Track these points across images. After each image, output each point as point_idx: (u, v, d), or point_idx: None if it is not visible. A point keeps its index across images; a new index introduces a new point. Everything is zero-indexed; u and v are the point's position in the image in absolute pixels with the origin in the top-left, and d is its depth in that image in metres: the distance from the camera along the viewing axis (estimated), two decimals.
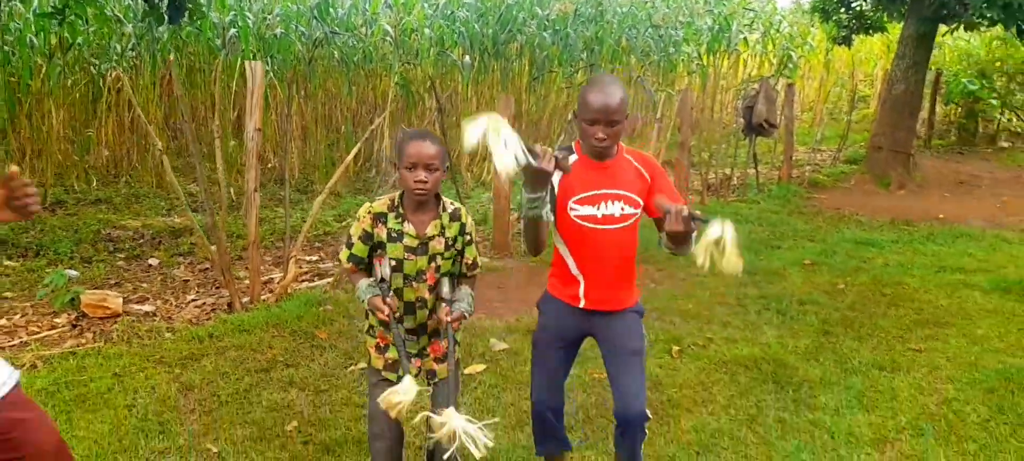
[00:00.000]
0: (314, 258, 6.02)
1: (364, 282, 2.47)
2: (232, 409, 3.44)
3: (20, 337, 4.22)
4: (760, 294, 5.42)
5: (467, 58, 9.73)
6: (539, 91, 10.41)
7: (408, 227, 2.45)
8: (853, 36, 11.68)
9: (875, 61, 16.67)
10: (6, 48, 8.04)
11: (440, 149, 2.41)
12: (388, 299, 2.42)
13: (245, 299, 4.83)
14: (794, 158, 10.89)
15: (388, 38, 10.00)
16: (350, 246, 2.49)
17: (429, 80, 7.88)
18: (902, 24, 10.09)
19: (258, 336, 4.25)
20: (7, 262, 5.47)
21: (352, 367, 3.93)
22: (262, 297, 4.88)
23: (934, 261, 6.42)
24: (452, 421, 2.18)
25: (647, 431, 2.59)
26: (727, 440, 3.35)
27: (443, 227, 2.49)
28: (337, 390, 3.68)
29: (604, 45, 10.64)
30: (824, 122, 12.62)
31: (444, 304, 2.49)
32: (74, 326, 4.38)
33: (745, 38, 13.75)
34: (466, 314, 2.48)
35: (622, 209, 2.45)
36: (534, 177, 2.17)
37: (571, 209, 2.44)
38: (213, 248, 4.73)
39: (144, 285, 5.20)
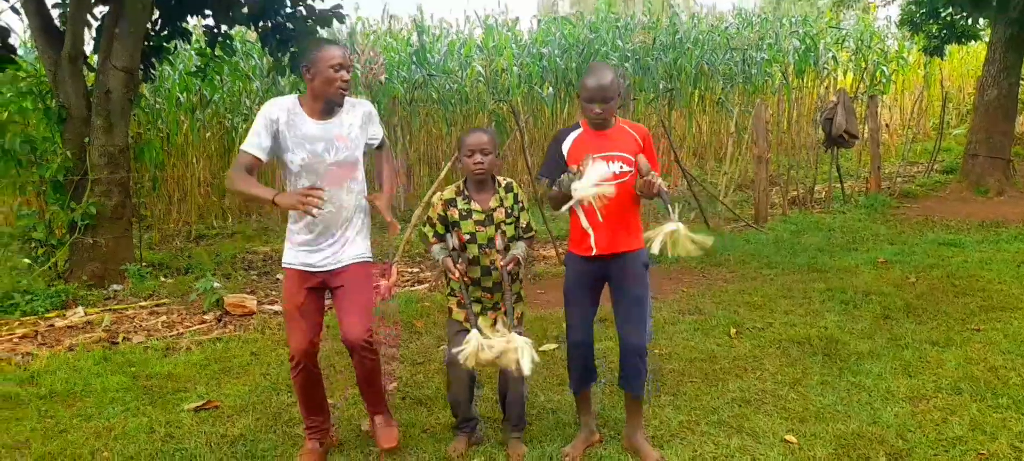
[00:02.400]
0: (415, 270, 6.78)
1: (437, 247, 3.13)
2: (345, 376, 4.14)
3: (177, 330, 5.15)
4: (827, 287, 5.68)
5: (551, 89, 10.41)
6: (623, 117, 10.93)
7: (474, 204, 3.10)
8: (945, 46, 11.56)
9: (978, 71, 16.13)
10: (157, 106, 9.43)
11: (492, 137, 3.07)
12: (458, 264, 3.05)
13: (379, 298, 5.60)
14: (887, 171, 10.86)
15: (481, 79, 10.87)
16: (432, 226, 3.16)
17: (511, 107, 8.59)
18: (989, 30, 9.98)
19: (384, 324, 4.98)
20: (164, 279, 6.52)
21: (443, 347, 4.57)
22: (384, 297, 5.63)
23: (1016, 257, 6.43)
24: (510, 340, 2.75)
25: (647, 366, 3.12)
26: (769, 398, 3.73)
27: (501, 199, 3.13)
28: (430, 363, 4.33)
29: (683, 71, 11.08)
30: (913, 136, 12.39)
31: (499, 253, 3.09)
32: (219, 321, 5.28)
33: (834, 57, 13.77)
34: (520, 257, 3.07)
35: (621, 167, 3.02)
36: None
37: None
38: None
39: (273, 293, 6.09)
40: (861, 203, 9.27)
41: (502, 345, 2.79)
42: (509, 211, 3.14)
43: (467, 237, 3.11)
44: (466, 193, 3.14)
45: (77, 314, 5.43)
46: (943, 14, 11.21)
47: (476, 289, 3.13)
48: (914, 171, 11.72)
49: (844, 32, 14.62)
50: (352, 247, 3.09)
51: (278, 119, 2.94)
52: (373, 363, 3.12)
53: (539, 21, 12.19)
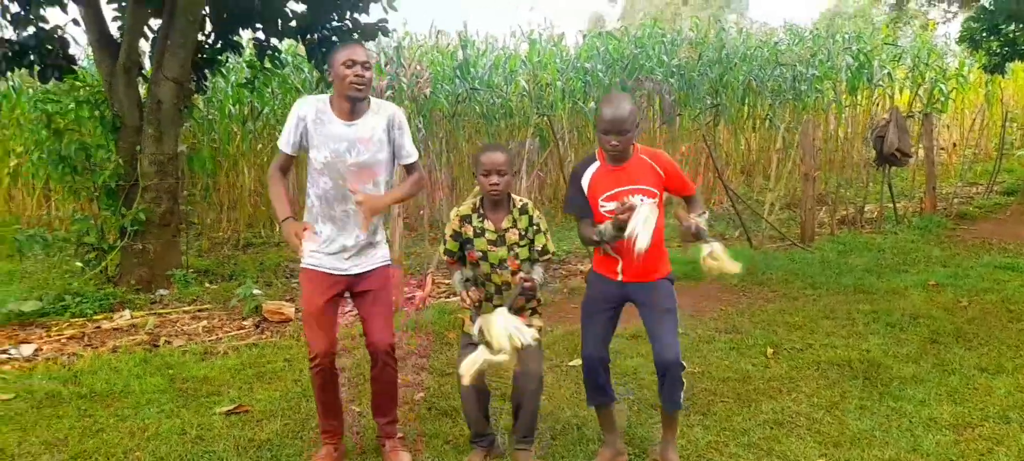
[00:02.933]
0: (450, 282, 6.79)
1: (458, 275, 3.13)
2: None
3: (216, 335, 5.26)
4: (872, 309, 5.49)
5: (593, 104, 10.37)
6: (668, 133, 10.84)
7: (487, 224, 3.09)
8: (1006, 64, 11.14)
9: None
10: (210, 117, 9.72)
11: (508, 157, 3.04)
12: (471, 292, 3.04)
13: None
14: (943, 191, 10.49)
15: (525, 93, 10.90)
16: (445, 243, 3.16)
17: (549, 121, 8.59)
18: None
19: (398, 336, 5.00)
20: (208, 284, 6.68)
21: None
22: (404, 308, 5.68)
23: None
24: (500, 319, 2.76)
25: (684, 381, 3.05)
26: (803, 420, 3.61)
27: (515, 220, 3.10)
28: (457, 374, 4.32)
29: (730, 87, 10.92)
30: (973, 157, 11.94)
31: (517, 275, 3.06)
32: (257, 327, 5.38)
33: (889, 74, 13.39)
34: (536, 281, 3.03)
35: (641, 200, 2.92)
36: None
37: (601, 206, 3.01)
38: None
39: None
40: (915, 224, 8.96)
41: (503, 342, 2.77)
42: (523, 233, 3.11)
43: (479, 255, 3.10)
44: (481, 211, 3.14)
45: (123, 317, 5.60)
46: (1004, 31, 10.80)
47: (488, 306, 3.11)
48: (972, 192, 11.29)
49: (901, 49, 14.21)
50: (375, 251, 3.13)
51: (305, 116, 3.01)
52: (394, 371, 3.14)
53: (584, 36, 12.18)
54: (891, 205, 9.34)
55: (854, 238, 8.33)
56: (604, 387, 3.17)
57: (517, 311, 3.10)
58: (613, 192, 2.99)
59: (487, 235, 3.09)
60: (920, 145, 9.63)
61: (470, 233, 3.11)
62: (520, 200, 3.16)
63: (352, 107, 3.00)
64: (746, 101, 11.73)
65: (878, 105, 13.23)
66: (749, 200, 9.80)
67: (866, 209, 9.45)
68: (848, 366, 4.30)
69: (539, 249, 3.14)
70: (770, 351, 4.60)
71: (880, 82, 13.16)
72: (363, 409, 3.80)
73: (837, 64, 12.76)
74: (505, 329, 2.78)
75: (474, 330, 3.06)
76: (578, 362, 4.44)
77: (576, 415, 3.73)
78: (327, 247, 3.07)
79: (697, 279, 6.63)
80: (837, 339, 4.84)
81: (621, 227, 2.82)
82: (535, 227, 3.14)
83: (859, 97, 13.14)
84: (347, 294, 3.17)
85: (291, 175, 3.10)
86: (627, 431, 3.51)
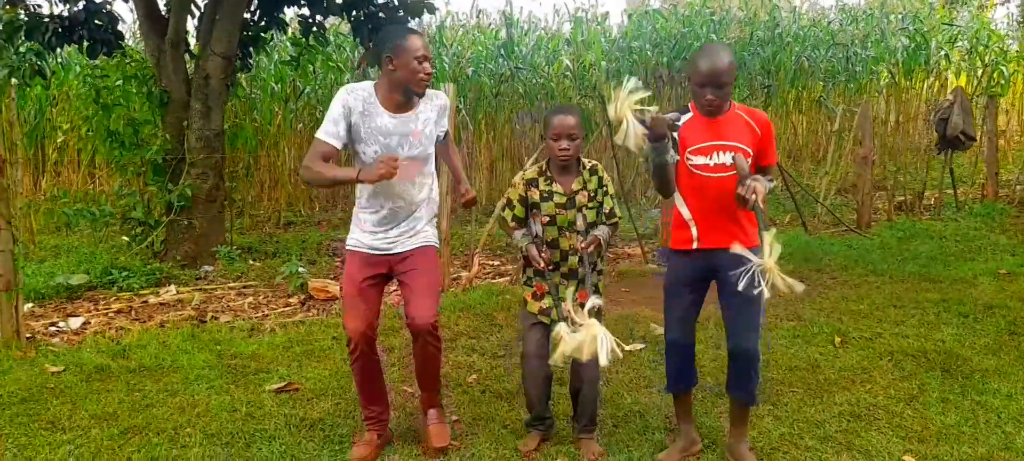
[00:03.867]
0: (496, 262, 6.66)
1: (520, 233, 2.97)
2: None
3: (262, 311, 5.20)
4: (942, 298, 5.22)
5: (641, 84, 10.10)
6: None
7: (556, 187, 2.93)
8: None
9: None
10: (253, 95, 9.68)
11: (579, 120, 2.88)
12: (543, 252, 2.89)
13: (439, 290, 5.52)
14: (1004, 177, 10.04)
15: (568, 73, 10.68)
16: (511, 208, 3.01)
17: (601, 97, 8.38)
18: None
19: (447, 316, 4.89)
20: (252, 262, 6.64)
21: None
22: (451, 288, 5.55)
23: None
24: (592, 327, 2.53)
25: (759, 375, 2.83)
26: (882, 413, 3.40)
27: (585, 182, 2.94)
28: (511, 357, 4.17)
29: (782, 66, 10.56)
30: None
31: (580, 236, 2.90)
32: (303, 304, 5.30)
33: (946, 55, 12.85)
34: (602, 239, 2.89)
35: (732, 158, 2.73)
36: (652, 135, 2.59)
37: (687, 159, 2.78)
38: None
39: None
40: (976, 211, 8.56)
41: (581, 336, 2.56)
42: (592, 194, 2.96)
43: (546, 219, 2.95)
44: (548, 174, 2.98)
45: (170, 292, 5.57)
46: None
47: (555, 275, 2.96)
48: None
49: (957, 30, 13.63)
50: (420, 235, 3.00)
51: (354, 108, 2.84)
52: (436, 349, 3.01)
53: (629, 15, 11.89)
54: (951, 191, 8.95)
55: (913, 224, 7.99)
56: (687, 373, 2.98)
57: (581, 282, 2.94)
58: (702, 145, 2.76)
59: (556, 198, 2.94)
60: (983, 128, 9.20)
61: (536, 197, 2.96)
62: (590, 162, 3.01)
63: (404, 99, 2.86)
64: (796, 83, 11.35)
65: (934, 87, 12.73)
66: (801, 185, 9.47)
67: (924, 195, 9.07)
68: (924, 357, 4.06)
69: (606, 212, 2.98)
70: (838, 340, 4.38)
71: (937, 64, 12.64)
72: (415, 390, 3.67)
73: (892, 45, 12.28)
74: (600, 339, 2.55)
75: (537, 308, 2.91)
76: (636, 346, 4.29)
77: (636, 402, 3.57)
78: (373, 231, 2.96)
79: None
80: (908, 328, 4.59)
81: (653, 139, 2.60)
82: (603, 189, 2.99)
83: (915, 79, 12.65)
84: (391, 277, 3.04)
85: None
86: (695, 420, 3.32)
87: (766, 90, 10.49)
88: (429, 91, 2.95)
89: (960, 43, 13.61)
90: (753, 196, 2.57)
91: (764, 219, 2.60)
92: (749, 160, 2.74)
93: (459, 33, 11.36)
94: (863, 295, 5.39)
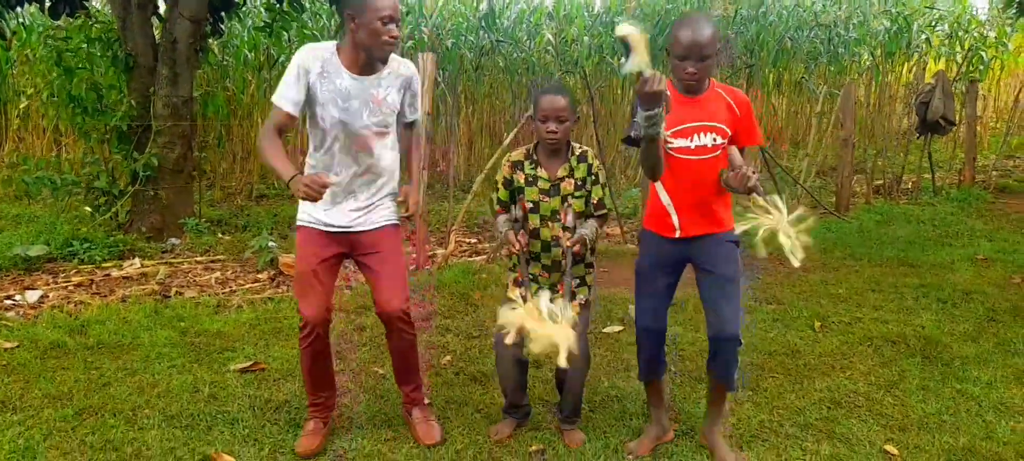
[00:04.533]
0: (473, 240, 6.53)
1: (503, 217, 2.84)
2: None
3: (230, 287, 5.03)
4: (920, 283, 5.19)
5: (622, 60, 9.97)
6: None
7: (541, 172, 2.79)
8: None
9: None
10: (225, 62, 9.39)
11: (570, 101, 2.72)
12: (519, 235, 2.76)
13: (412, 266, 5.39)
14: (981, 163, 10.08)
15: (550, 48, 10.50)
16: (497, 191, 2.87)
17: (583, 75, 8.24)
18: None
19: (421, 294, 4.76)
20: (221, 235, 6.44)
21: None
22: (426, 267, 5.42)
23: None
24: (562, 327, 2.40)
25: (739, 357, 2.73)
26: (863, 400, 3.34)
27: (572, 169, 2.80)
28: (486, 338, 4.06)
29: (765, 46, 10.47)
30: (1009, 129, 11.49)
31: (565, 231, 2.77)
32: (272, 280, 5.14)
33: (928, 39, 12.86)
34: (587, 238, 2.75)
35: (714, 140, 2.61)
36: (650, 98, 2.29)
37: (666, 142, 2.57)
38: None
39: None
40: (953, 196, 8.59)
41: (546, 330, 2.43)
42: (580, 183, 2.80)
43: (530, 206, 2.81)
44: (534, 157, 2.84)
45: (133, 265, 5.37)
46: None
47: (535, 265, 2.84)
48: (1011, 165, 10.88)
49: (939, 14, 13.64)
50: (382, 209, 2.82)
51: (310, 69, 2.63)
52: (412, 337, 2.87)
53: None
54: (929, 175, 8.97)
55: (891, 208, 8.00)
56: (659, 362, 2.87)
57: (562, 275, 2.82)
58: (682, 127, 2.60)
59: (540, 184, 2.79)
60: (963, 113, 9.20)
61: (522, 181, 2.82)
62: (579, 147, 2.85)
63: (367, 61, 2.65)
64: (777, 63, 11.28)
65: (914, 71, 12.73)
66: (781, 166, 9.42)
67: (903, 179, 9.08)
68: (904, 343, 4.01)
69: (595, 202, 2.83)
70: (817, 324, 4.32)
71: (918, 48, 12.64)
72: (386, 372, 3.55)
73: (873, 27, 12.24)
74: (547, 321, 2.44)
75: (516, 294, 2.79)
76: (615, 328, 4.20)
77: (614, 386, 3.48)
78: (327, 204, 2.73)
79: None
80: (887, 313, 4.55)
81: (648, 104, 2.30)
82: (593, 177, 2.82)
83: (895, 63, 12.64)
84: (349, 256, 2.85)
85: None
86: (673, 406, 3.24)
87: (748, 70, 10.39)
88: (398, 59, 2.76)
89: (940, 27, 13.63)
90: (754, 177, 2.44)
91: (764, 193, 2.47)
92: (726, 140, 2.63)
93: (440, 3, 11.11)
94: (842, 279, 5.35)
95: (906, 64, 12.74)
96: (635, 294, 2.83)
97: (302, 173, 2.63)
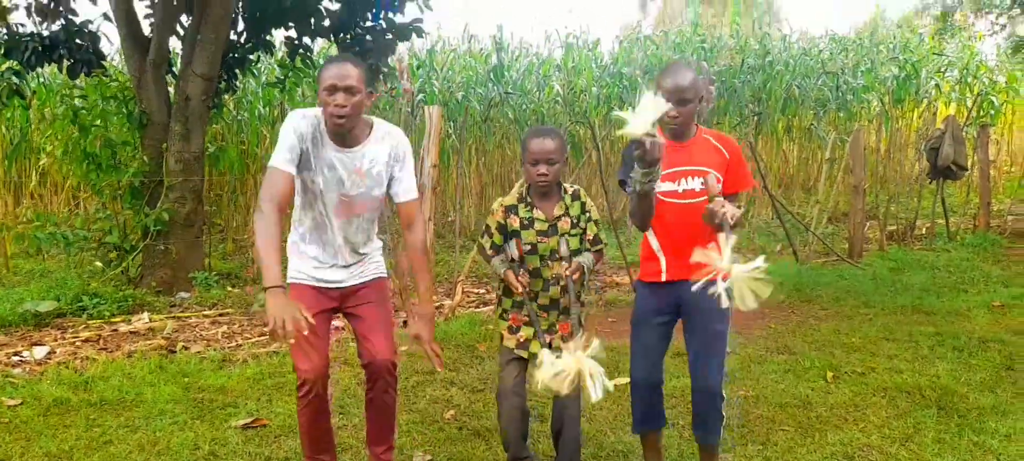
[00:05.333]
0: (480, 291, 6.51)
1: (498, 258, 2.82)
2: (400, 400, 3.87)
3: (236, 341, 5.02)
4: (936, 331, 5.09)
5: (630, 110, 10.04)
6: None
7: (537, 213, 2.79)
8: None
9: None
10: (239, 118, 9.56)
11: (559, 144, 2.74)
12: (520, 276, 2.74)
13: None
14: (996, 208, 9.98)
15: (559, 99, 10.61)
16: (490, 235, 2.86)
17: (590, 125, 8.29)
18: None
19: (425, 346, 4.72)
20: (230, 288, 6.46)
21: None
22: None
23: None
24: (580, 362, 2.38)
25: (724, 414, 2.70)
26: (877, 455, 3.25)
27: (567, 207, 2.81)
28: (491, 391, 4.00)
29: (772, 94, 10.51)
30: (1014, 172, 11.40)
31: (564, 261, 2.76)
32: None
33: (937, 85, 12.87)
34: (585, 267, 2.76)
35: (702, 184, 2.61)
36: (649, 161, 2.34)
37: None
38: (395, 279, 5.32)
39: None
40: (968, 241, 8.49)
41: (564, 366, 2.41)
42: (575, 221, 2.82)
43: (527, 248, 2.80)
44: (529, 200, 2.84)
45: (142, 320, 5.39)
46: None
47: (533, 304, 2.82)
48: None
49: (947, 59, 13.68)
50: (371, 265, 2.81)
51: (306, 135, 2.56)
52: (395, 392, 2.81)
53: (620, 41, 11.87)
54: (943, 221, 8.88)
55: (905, 254, 7.90)
56: (655, 413, 2.82)
57: (564, 312, 2.80)
58: (670, 172, 2.62)
59: (537, 225, 2.80)
60: (975, 158, 9.15)
61: (517, 225, 2.81)
62: (572, 186, 2.87)
63: (341, 137, 2.60)
64: (787, 111, 11.32)
65: (924, 117, 12.73)
66: (792, 213, 9.38)
67: (916, 225, 8.99)
68: (919, 393, 3.92)
69: (590, 238, 2.84)
70: (830, 375, 4.24)
71: (927, 93, 12.65)
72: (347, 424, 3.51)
73: (881, 74, 12.29)
74: (589, 373, 2.40)
75: (514, 343, 2.76)
76: (623, 381, 4.11)
77: (620, 440, 3.41)
78: (317, 261, 2.72)
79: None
80: (901, 363, 4.46)
81: (646, 165, 2.34)
82: (587, 215, 2.84)
83: (905, 108, 12.66)
84: (339, 311, 2.82)
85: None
86: None
87: (756, 118, 10.43)
88: (386, 128, 2.72)
89: (950, 73, 13.65)
90: (722, 210, 2.42)
91: (729, 233, 2.40)
92: (720, 184, 2.62)
93: (450, 57, 11.29)
94: (855, 327, 5.26)
95: (916, 110, 12.75)
96: (631, 346, 2.82)
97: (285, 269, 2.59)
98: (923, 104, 12.73)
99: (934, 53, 13.48)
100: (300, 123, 2.57)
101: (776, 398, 3.89)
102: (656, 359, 2.79)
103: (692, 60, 9.22)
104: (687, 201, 2.64)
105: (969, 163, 8.54)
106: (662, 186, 2.61)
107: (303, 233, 2.75)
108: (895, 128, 12.05)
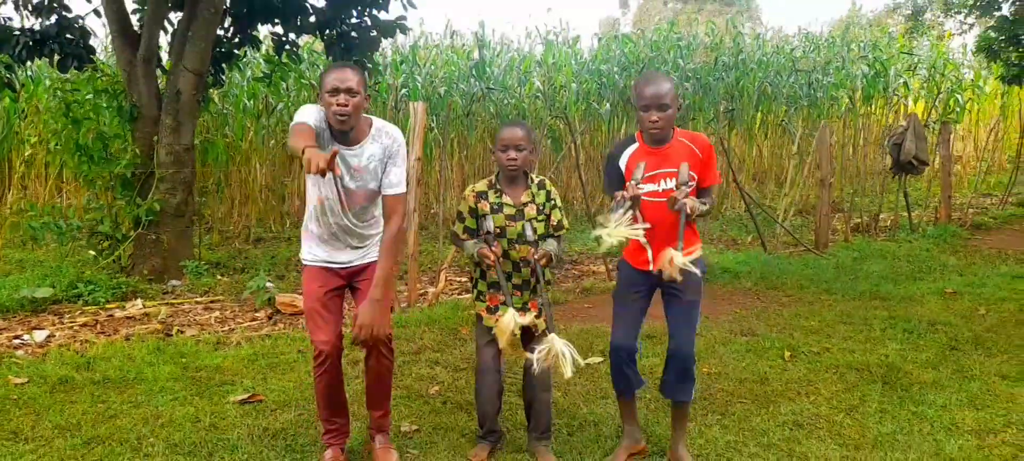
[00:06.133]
0: (463, 279, 6.77)
1: (471, 242, 3.08)
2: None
3: (229, 325, 5.26)
4: (889, 315, 5.44)
5: (608, 106, 10.34)
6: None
7: (505, 198, 3.06)
8: None
9: None
10: (225, 111, 9.73)
11: (528, 133, 3.02)
12: (493, 247, 2.99)
13: (404, 305, 5.62)
14: (958, 202, 10.41)
15: (539, 94, 10.88)
16: (462, 220, 3.13)
17: (566, 120, 8.58)
18: None
19: (412, 330, 4.99)
20: (219, 277, 6.68)
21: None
22: (417, 304, 5.65)
23: None
24: (553, 342, 2.72)
25: (694, 374, 3.06)
26: (824, 422, 3.57)
27: (533, 195, 3.08)
28: (472, 369, 4.27)
29: (745, 93, 10.86)
30: (987, 168, 11.86)
31: (532, 247, 3.03)
32: (270, 318, 5.37)
33: (905, 83, 13.31)
34: (552, 254, 3.03)
35: (679, 171, 2.92)
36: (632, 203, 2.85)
37: (638, 187, 2.90)
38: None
39: None
40: (929, 233, 8.88)
41: (545, 346, 2.73)
42: (540, 208, 3.10)
43: (497, 231, 3.06)
44: (498, 186, 3.11)
45: (136, 306, 5.60)
46: None
47: (509, 286, 3.08)
48: (987, 203, 11.22)
49: (916, 58, 14.14)
50: (374, 248, 3.06)
51: (320, 122, 2.80)
52: (390, 362, 3.08)
53: (599, 39, 12.16)
54: (906, 213, 9.27)
55: (868, 245, 8.27)
56: (631, 376, 3.14)
57: (532, 292, 3.08)
58: (650, 174, 2.94)
59: (505, 210, 3.06)
60: (936, 154, 9.55)
61: (486, 209, 3.08)
62: (537, 177, 3.15)
63: (344, 135, 2.84)
64: (760, 107, 11.68)
65: (893, 114, 13.16)
66: (762, 206, 9.74)
67: (880, 217, 9.38)
68: (867, 370, 4.25)
69: (554, 224, 3.12)
70: (787, 354, 4.56)
71: (896, 91, 13.09)
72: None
73: (852, 72, 12.70)
74: (560, 352, 2.79)
75: (492, 320, 3.03)
76: (596, 360, 4.42)
77: (592, 412, 3.70)
78: (325, 245, 3.00)
79: (710, 281, 6.60)
80: (855, 344, 4.79)
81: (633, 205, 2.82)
82: (552, 202, 3.12)
83: (874, 106, 13.08)
84: (348, 287, 3.10)
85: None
86: (645, 429, 3.46)
87: (730, 114, 10.77)
88: (384, 127, 2.94)
89: (918, 72, 14.10)
90: (685, 201, 2.80)
91: (685, 220, 2.82)
92: (694, 181, 2.92)
93: (433, 53, 11.52)
94: (815, 312, 5.59)
95: (884, 107, 13.17)
96: (612, 315, 3.14)
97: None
98: (891, 101, 13.17)
99: (903, 52, 13.91)
100: (314, 114, 2.80)
101: (737, 374, 4.20)
102: (635, 327, 3.11)
103: (693, 59, 9.67)
104: (667, 199, 2.94)
105: (930, 158, 8.92)
106: (645, 186, 2.94)
107: (314, 219, 3.01)
108: (864, 124, 12.45)
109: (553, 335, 2.79)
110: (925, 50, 15.18)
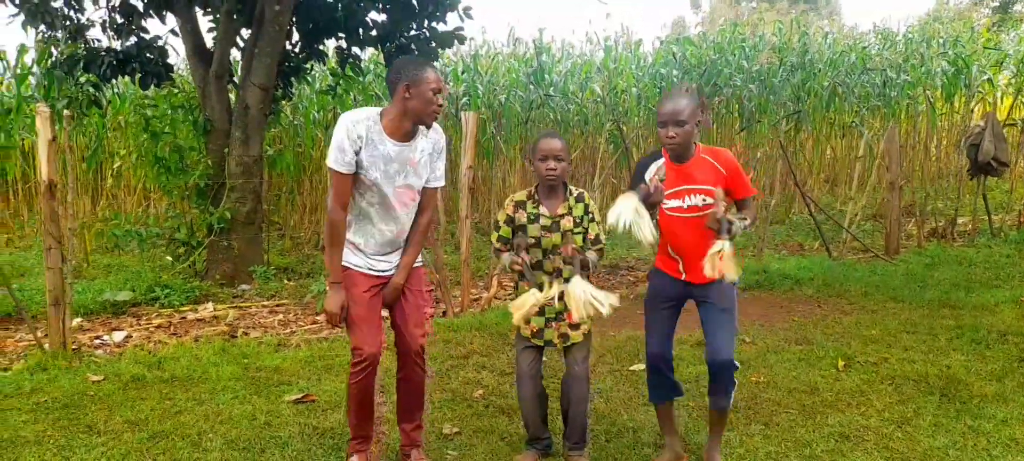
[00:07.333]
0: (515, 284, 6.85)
1: (507, 255, 3.13)
2: (435, 380, 4.26)
3: (291, 328, 5.49)
4: (957, 324, 5.21)
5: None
6: (748, 140, 10.58)
7: (543, 209, 3.11)
8: None
9: None
10: (296, 123, 10.13)
11: (565, 144, 3.07)
12: (523, 255, 3.04)
13: (457, 310, 5.75)
14: None
15: (600, 100, 10.87)
16: (498, 229, 3.19)
17: (617, 125, 8.55)
18: None
19: (462, 334, 5.10)
20: (287, 281, 6.97)
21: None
22: (470, 309, 5.77)
23: None
24: (577, 286, 2.88)
25: (736, 381, 3.04)
26: (872, 435, 3.47)
27: (570, 208, 3.11)
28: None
29: (813, 93, 10.56)
30: None
31: (570, 249, 3.05)
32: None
33: (989, 80, 12.64)
34: (590, 261, 3.06)
35: (703, 200, 2.94)
36: (652, 201, 2.92)
37: (664, 203, 2.99)
38: (436, 273, 5.72)
39: None
40: (1011, 238, 8.43)
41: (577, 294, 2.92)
42: (578, 221, 3.12)
43: (532, 242, 3.11)
44: (536, 197, 3.16)
45: (207, 309, 5.92)
46: None
47: (540, 275, 3.11)
48: None
49: (1003, 53, 13.39)
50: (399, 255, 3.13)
51: (361, 137, 2.87)
52: (423, 372, 3.14)
53: (661, 42, 12.05)
54: (986, 217, 8.83)
55: (943, 251, 7.92)
56: (667, 384, 3.16)
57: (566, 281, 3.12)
58: (674, 190, 2.99)
59: (541, 221, 3.11)
60: (1020, 155, 9.05)
61: (524, 219, 3.13)
62: (576, 189, 3.18)
63: (413, 128, 2.94)
64: (831, 107, 11.33)
65: (976, 112, 12.52)
66: (832, 210, 9.45)
67: (958, 221, 8.96)
68: (925, 381, 4.10)
69: (591, 238, 3.14)
70: (841, 363, 4.44)
71: (979, 88, 12.44)
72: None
73: (931, 69, 12.15)
74: (584, 294, 2.92)
75: (543, 295, 3.06)
76: (640, 367, 4.42)
77: (632, 419, 3.71)
78: (367, 254, 3.05)
79: (769, 288, 6.47)
80: (916, 354, 4.62)
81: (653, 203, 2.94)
82: (590, 216, 3.14)
83: (956, 104, 12.48)
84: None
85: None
86: (685, 437, 3.45)
87: (797, 115, 10.50)
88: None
89: (1005, 67, 13.36)
90: (721, 220, 2.84)
91: (725, 234, 2.87)
92: (729, 200, 2.97)
93: (495, 60, 11.67)
94: (877, 320, 5.42)
95: (967, 105, 12.55)
96: (645, 324, 3.17)
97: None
98: (975, 99, 12.53)
99: (988, 47, 13.21)
100: (353, 127, 2.89)
101: (786, 384, 4.13)
102: (668, 335, 3.15)
103: (690, 85, 9.58)
104: (691, 215, 2.99)
105: (1012, 159, 8.47)
106: (669, 203, 2.99)
107: (354, 227, 3.06)
108: (944, 123, 11.90)
109: (576, 280, 2.91)
110: (1013, 44, 14.37)
